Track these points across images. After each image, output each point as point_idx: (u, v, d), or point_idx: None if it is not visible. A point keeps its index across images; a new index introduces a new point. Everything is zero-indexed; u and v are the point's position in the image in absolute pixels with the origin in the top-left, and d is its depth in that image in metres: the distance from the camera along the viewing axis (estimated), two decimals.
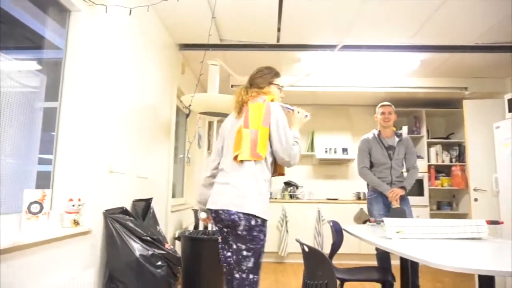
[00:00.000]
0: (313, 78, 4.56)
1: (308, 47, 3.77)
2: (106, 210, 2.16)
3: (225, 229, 1.89)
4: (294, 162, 1.94)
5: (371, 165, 3.34)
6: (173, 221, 3.63)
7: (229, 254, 1.90)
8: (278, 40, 3.65)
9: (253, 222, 1.78)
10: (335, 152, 5.46)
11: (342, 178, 5.79)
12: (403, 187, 3.18)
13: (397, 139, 3.34)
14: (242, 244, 1.79)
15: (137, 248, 2.05)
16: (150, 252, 2.08)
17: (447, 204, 5.49)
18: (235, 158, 1.87)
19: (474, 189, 4.14)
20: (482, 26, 3.28)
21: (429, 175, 5.32)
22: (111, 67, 2.27)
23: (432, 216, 5.17)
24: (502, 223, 2.45)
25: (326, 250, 2.56)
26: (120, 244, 2.05)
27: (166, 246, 2.22)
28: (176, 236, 3.52)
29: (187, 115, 3.42)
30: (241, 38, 3.62)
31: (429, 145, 5.45)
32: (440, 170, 5.49)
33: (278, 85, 2.12)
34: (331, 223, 2.70)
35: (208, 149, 5.26)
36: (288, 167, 2.00)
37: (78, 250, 1.91)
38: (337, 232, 2.62)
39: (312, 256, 1.55)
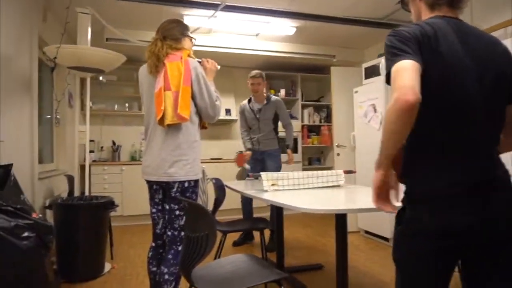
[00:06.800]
0: (196, 37, 4.46)
1: (191, 3, 3.64)
2: None
3: (154, 186, 2.00)
4: (218, 117, 2.03)
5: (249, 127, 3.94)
6: (41, 189, 3.26)
7: (154, 210, 2.03)
8: None
9: (186, 185, 1.91)
10: None
11: (226, 138, 5.98)
12: (287, 146, 3.98)
13: (265, 101, 3.83)
14: (175, 204, 1.91)
15: None
16: (13, 224, 1.85)
17: (316, 160, 6.22)
18: (160, 122, 1.86)
19: (337, 146, 4.78)
20: (345, 1, 3.65)
21: (302, 134, 5.90)
22: None
23: (304, 170, 5.80)
24: (355, 172, 2.92)
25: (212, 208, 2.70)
26: None
27: (34, 215, 2.01)
28: (47, 204, 3.19)
29: (52, 69, 3.00)
30: None
31: (303, 107, 6.00)
32: (312, 130, 6.14)
33: (191, 37, 2.11)
34: (214, 180, 2.81)
35: (82, 109, 4.77)
36: (212, 122, 2.06)
37: None
38: (219, 188, 2.75)
39: (192, 211, 1.61)
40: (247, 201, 3.84)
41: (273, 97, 3.91)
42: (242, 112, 3.98)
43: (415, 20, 1.29)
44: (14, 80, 2.71)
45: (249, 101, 3.93)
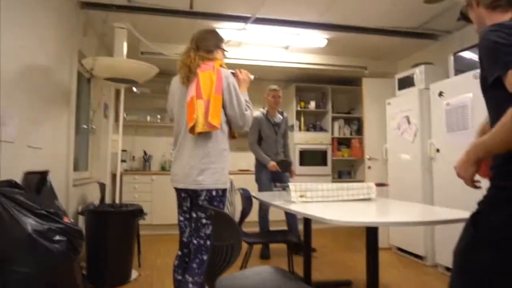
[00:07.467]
0: (228, 50, 4.53)
1: (221, 16, 3.71)
2: None
3: (182, 194, 2.00)
4: (248, 127, 2.03)
5: (261, 139, 3.93)
6: (75, 196, 3.37)
7: (181, 218, 2.02)
8: (191, 6, 3.51)
9: (214, 193, 1.89)
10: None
11: None
12: (287, 161, 3.94)
13: (280, 117, 4.01)
14: (202, 212, 1.88)
15: (29, 223, 1.85)
16: (45, 227, 1.90)
17: (346, 173, 6.07)
18: (191, 130, 1.87)
19: (368, 158, 4.64)
20: (378, 10, 3.58)
21: (332, 147, 5.79)
22: None
23: None
24: (387, 185, 2.80)
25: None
26: (8, 220, 1.83)
27: (65, 219, 2.06)
28: (80, 211, 3.29)
29: (89, 80, 3.13)
30: (151, 1, 3.40)
31: (333, 119, 5.90)
32: (342, 142, 6.01)
33: (224, 50, 2.13)
34: (241, 191, 2.79)
35: (116, 120, 4.93)
36: (241, 132, 2.06)
37: None
38: (246, 199, 2.72)
39: (218, 220, 1.59)
40: (263, 213, 3.79)
41: (284, 113, 4.11)
42: (258, 124, 3.88)
43: (478, 29, 1.21)
44: (54, 90, 2.85)
45: (267, 114, 3.96)
